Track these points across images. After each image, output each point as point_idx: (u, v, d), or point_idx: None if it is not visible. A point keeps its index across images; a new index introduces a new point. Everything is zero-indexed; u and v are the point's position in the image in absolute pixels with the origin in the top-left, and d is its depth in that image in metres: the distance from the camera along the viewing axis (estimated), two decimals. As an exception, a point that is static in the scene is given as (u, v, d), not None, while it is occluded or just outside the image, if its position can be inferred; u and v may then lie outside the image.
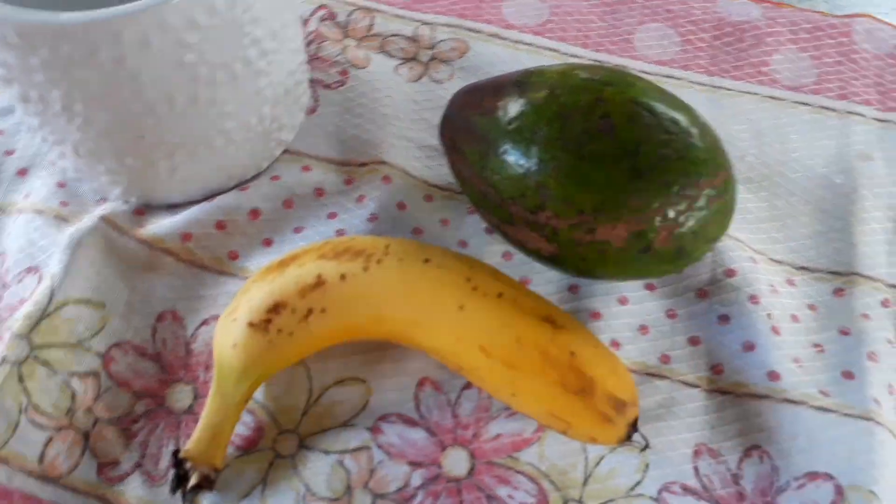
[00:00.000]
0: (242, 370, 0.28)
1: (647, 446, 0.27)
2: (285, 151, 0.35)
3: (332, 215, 0.34)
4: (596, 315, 0.31)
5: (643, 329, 0.31)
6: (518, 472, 0.28)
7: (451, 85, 0.38)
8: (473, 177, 0.29)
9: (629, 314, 0.31)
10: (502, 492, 0.28)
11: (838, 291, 0.32)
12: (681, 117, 0.26)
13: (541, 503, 0.27)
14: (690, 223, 0.26)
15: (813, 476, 0.27)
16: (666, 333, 0.31)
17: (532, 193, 0.27)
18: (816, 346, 0.30)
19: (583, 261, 0.27)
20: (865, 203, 0.34)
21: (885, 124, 0.37)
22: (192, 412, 0.29)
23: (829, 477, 0.27)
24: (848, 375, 0.29)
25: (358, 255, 0.28)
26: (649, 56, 0.39)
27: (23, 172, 0.35)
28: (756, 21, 0.40)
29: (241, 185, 0.34)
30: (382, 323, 0.28)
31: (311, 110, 0.37)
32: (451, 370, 0.30)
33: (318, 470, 0.28)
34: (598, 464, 0.28)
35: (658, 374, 0.30)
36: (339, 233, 0.33)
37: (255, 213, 0.33)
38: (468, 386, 0.30)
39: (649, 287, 0.32)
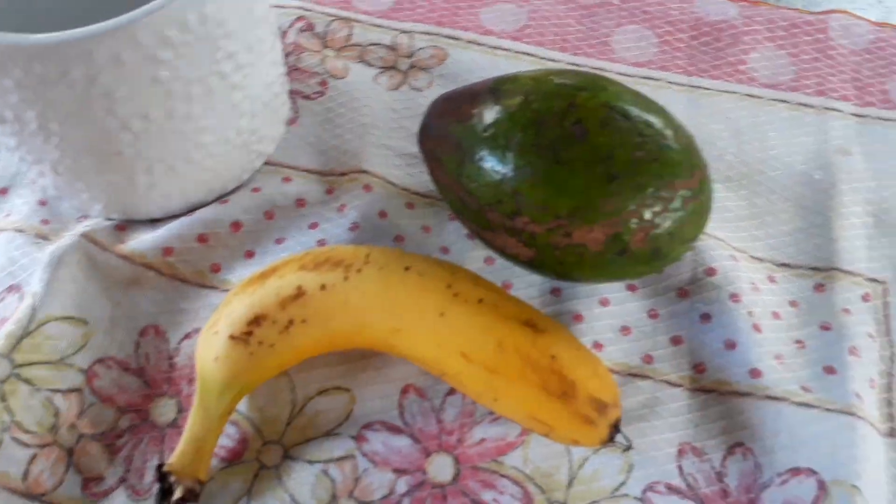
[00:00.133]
0: (225, 383, 0.28)
1: (629, 447, 0.27)
2: (266, 163, 0.35)
3: (313, 225, 0.34)
4: (578, 317, 0.31)
5: (625, 330, 0.31)
6: (503, 476, 0.28)
7: (431, 92, 0.38)
8: (452, 184, 0.29)
9: (611, 315, 0.31)
10: (487, 496, 0.28)
11: (819, 287, 0.32)
12: (654, 120, 0.26)
13: (526, 508, 0.28)
14: (666, 224, 0.26)
15: (796, 472, 0.27)
16: (648, 334, 0.31)
17: (508, 199, 0.27)
18: (798, 342, 0.31)
19: (561, 264, 0.27)
20: (844, 198, 0.34)
21: (862, 119, 0.37)
22: (176, 426, 0.30)
23: (811, 472, 0.27)
24: (829, 370, 0.30)
25: (338, 265, 0.28)
26: (627, 58, 0.39)
27: (3, 192, 0.35)
28: (733, 20, 0.40)
29: (221, 197, 0.34)
30: (364, 332, 0.28)
31: (292, 121, 0.37)
32: (434, 376, 0.30)
33: (303, 480, 0.28)
34: (582, 466, 0.28)
35: (641, 375, 0.30)
36: (321, 243, 0.33)
37: (236, 225, 0.33)
38: (452, 392, 0.30)
39: (631, 288, 0.32)
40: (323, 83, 0.38)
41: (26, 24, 0.33)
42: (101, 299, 0.31)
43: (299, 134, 0.36)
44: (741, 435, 0.28)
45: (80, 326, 0.31)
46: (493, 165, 0.27)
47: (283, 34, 0.40)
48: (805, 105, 0.38)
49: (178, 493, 0.27)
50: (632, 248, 0.26)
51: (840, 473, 0.27)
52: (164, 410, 0.30)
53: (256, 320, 0.28)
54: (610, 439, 0.26)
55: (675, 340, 0.31)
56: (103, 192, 0.32)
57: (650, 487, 0.28)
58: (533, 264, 0.28)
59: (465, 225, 0.30)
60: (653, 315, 0.31)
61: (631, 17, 0.40)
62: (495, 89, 0.28)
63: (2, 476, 0.28)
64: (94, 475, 0.28)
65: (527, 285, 0.32)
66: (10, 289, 0.32)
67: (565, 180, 0.26)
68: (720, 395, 0.29)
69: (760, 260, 0.33)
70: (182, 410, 0.30)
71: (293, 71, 0.38)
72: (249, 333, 0.28)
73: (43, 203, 0.34)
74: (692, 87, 0.38)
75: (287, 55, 0.39)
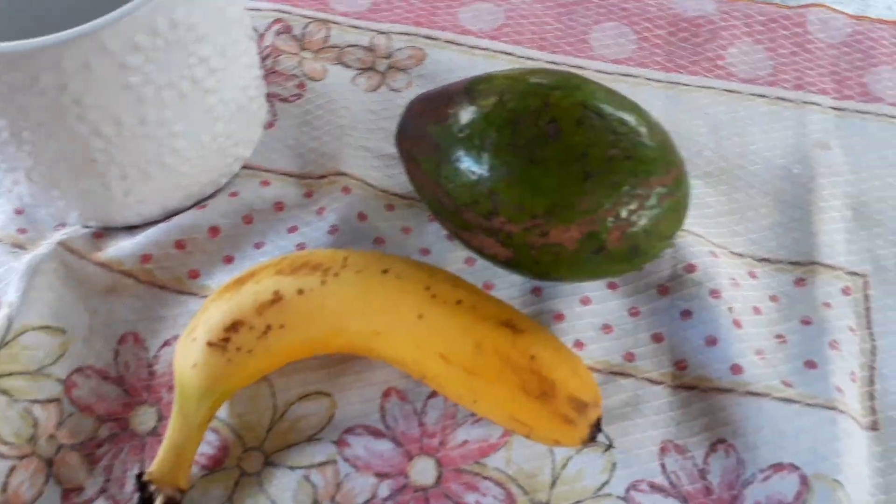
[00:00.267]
0: (203, 390, 0.28)
1: (610, 446, 0.27)
2: (244, 167, 0.35)
3: (292, 229, 0.34)
4: (559, 316, 0.31)
5: (606, 328, 0.31)
6: (485, 477, 0.28)
7: (410, 93, 0.38)
8: (429, 185, 0.29)
9: (592, 314, 0.31)
10: (470, 498, 0.28)
11: (799, 281, 0.32)
12: (629, 117, 0.26)
13: (509, 509, 0.27)
14: (643, 222, 0.26)
15: (778, 468, 0.27)
16: (629, 331, 0.31)
17: (485, 199, 0.27)
18: (779, 336, 0.30)
19: (538, 264, 0.27)
20: (824, 192, 0.34)
21: (841, 112, 0.37)
22: (156, 434, 0.29)
23: (794, 468, 0.27)
24: (810, 365, 0.29)
25: (315, 269, 0.28)
26: (606, 55, 0.39)
27: (-21, 200, 0.35)
28: (711, 15, 0.40)
29: (199, 203, 0.34)
30: (342, 336, 0.28)
31: (270, 124, 0.37)
32: (415, 379, 0.30)
33: (285, 486, 0.28)
34: (565, 466, 0.28)
35: (623, 373, 0.30)
36: (300, 246, 0.33)
37: (214, 230, 0.33)
38: (434, 394, 0.30)
39: (611, 286, 0.32)
40: (301, 85, 0.38)
41: (12, 29, 0.33)
42: (79, 308, 0.31)
43: (277, 137, 0.36)
44: (723, 431, 0.28)
45: (58, 336, 0.30)
46: (469, 166, 0.27)
47: (261, 37, 0.39)
48: (783, 99, 0.38)
49: (158, 502, 0.26)
50: (609, 247, 0.26)
51: (822, 468, 0.27)
52: (144, 419, 0.30)
53: (234, 326, 0.28)
54: (591, 439, 0.26)
55: (657, 338, 0.31)
56: (79, 199, 0.31)
57: (633, 486, 0.28)
58: (511, 264, 0.28)
59: (444, 226, 0.30)
60: (634, 313, 0.31)
61: (609, 15, 0.40)
62: (470, 89, 0.28)
63: (-21, 489, 0.27)
64: (74, 486, 0.28)
65: (508, 285, 0.32)
66: (-13, 299, 0.31)
67: (540, 179, 0.25)
68: (702, 392, 0.29)
69: (741, 255, 0.33)
70: (162, 418, 0.30)
71: (271, 74, 0.38)
72: (227, 340, 0.27)
73: (19, 212, 0.34)
74: (671, 83, 0.38)
75: (264, 58, 0.39)
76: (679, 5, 0.41)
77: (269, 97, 0.37)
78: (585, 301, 0.31)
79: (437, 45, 0.39)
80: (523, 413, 0.26)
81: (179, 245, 0.33)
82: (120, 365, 0.31)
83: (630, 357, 0.30)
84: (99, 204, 0.32)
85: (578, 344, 0.30)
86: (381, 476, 0.28)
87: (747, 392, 0.29)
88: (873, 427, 0.29)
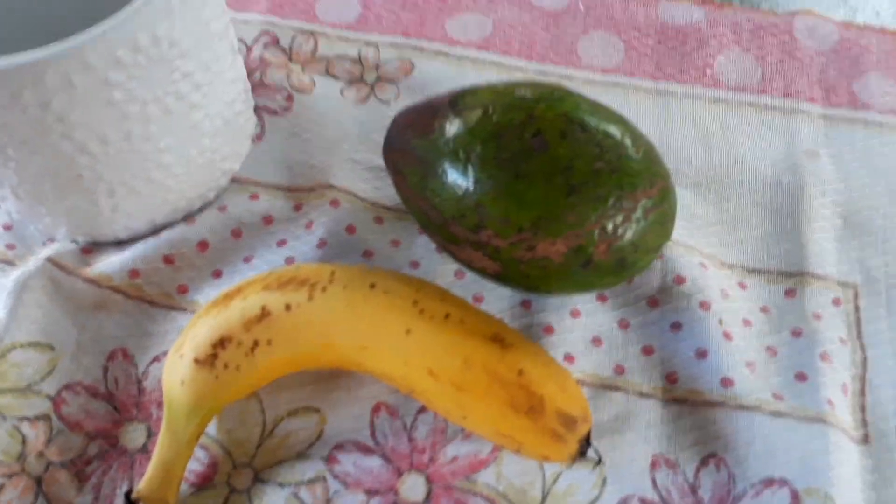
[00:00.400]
0: (191, 407, 0.27)
1: (599, 461, 0.27)
2: (232, 180, 0.35)
3: (281, 243, 0.33)
4: (549, 329, 0.31)
5: (596, 341, 0.31)
6: (476, 494, 0.28)
7: (398, 104, 0.38)
8: (416, 198, 0.29)
9: (582, 327, 0.31)
10: (460, 515, 0.27)
11: (790, 292, 0.32)
12: (614, 130, 0.26)
13: (498, 525, 0.27)
14: (629, 235, 0.26)
15: (769, 482, 0.27)
16: (619, 344, 0.31)
17: (471, 213, 0.27)
18: (769, 349, 0.30)
19: (526, 278, 0.27)
20: (814, 202, 0.34)
21: (829, 121, 0.37)
22: (145, 451, 0.29)
23: (784, 482, 0.27)
24: (801, 377, 0.29)
25: (303, 285, 0.28)
26: (594, 65, 0.39)
27: (-34, 217, 0.35)
28: (699, 23, 0.40)
29: (187, 217, 0.34)
30: (331, 351, 0.28)
31: (258, 137, 0.36)
32: (405, 394, 0.30)
33: (274, 503, 0.28)
34: (555, 481, 0.28)
35: (613, 387, 0.30)
36: (289, 260, 0.33)
37: (203, 244, 0.33)
38: (423, 409, 0.30)
39: (601, 298, 0.32)
40: (289, 98, 0.38)
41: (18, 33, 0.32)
42: (68, 324, 0.31)
43: (266, 150, 0.36)
44: (714, 445, 0.28)
45: (47, 352, 0.30)
46: (455, 179, 0.27)
47: (248, 49, 0.39)
48: (773, 108, 0.37)
49: (146, 521, 0.26)
50: (596, 260, 0.26)
51: (813, 482, 0.27)
52: (133, 436, 0.29)
53: (221, 342, 0.27)
54: (580, 454, 0.26)
55: (647, 350, 0.31)
56: (66, 215, 0.31)
57: (624, 501, 0.28)
58: (500, 278, 0.28)
59: (433, 239, 0.30)
60: (623, 325, 0.31)
61: (597, 24, 0.40)
62: (455, 102, 0.28)
63: (-35, 509, 0.27)
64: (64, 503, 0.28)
65: (497, 298, 0.32)
66: (-25, 316, 0.31)
67: (526, 193, 0.25)
68: (693, 406, 0.29)
69: (731, 266, 0.33)
70: (152, 435, 0.29)
71: (258, 86, 0.38)
72: (214, 356, 0.27)
73: (7, 227, 0.34)
74: (659, 91, 0.38)
75: (252, 71, 0.38)
76: (667, 13, 0.41)
77: (258, 110, 0.37)
78: (575, 314, 0.31)
79: (426, 56, 0.39)
80: (512, 429, 0.26)
81: (168, 260, 0.33)
82: (109, 381, 0.30)
83: (620, 370, 0.30)
84: (86, 219, 0.31)
85: (568, 357, 0.30)
86: (371, 493, 0.28)
87: (738, 405, 0.29)
88: (864, 440, 0.29)
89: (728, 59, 0.39)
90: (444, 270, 0.33)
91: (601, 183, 0.25)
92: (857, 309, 0.31)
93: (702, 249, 0.33)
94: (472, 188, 0.26)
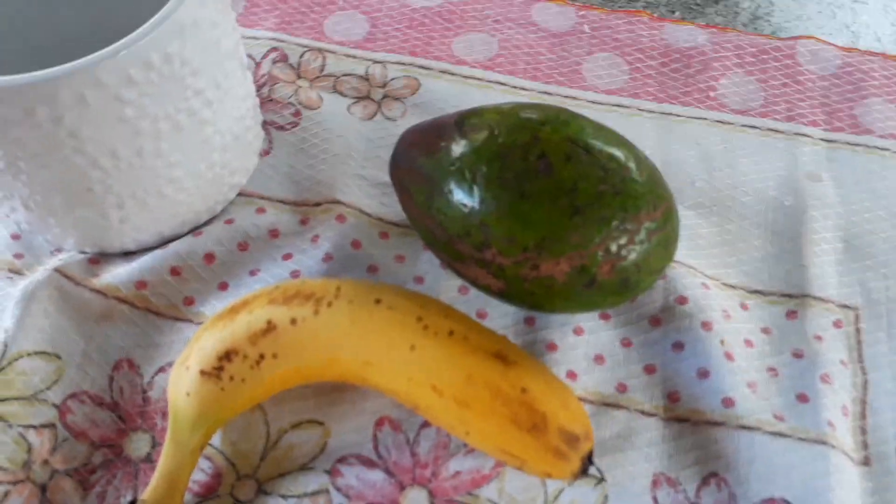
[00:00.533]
0: (196, 418, 0.28)
1: (602, 479, 0.27)
2: (239, 194, 0.35)
3: (286, 256, 0.34)
4: (552, 346, 0.31)
5: (599, 359, 0.31)
6: (477, 510, 0.28)
7: (405, 122, 0.38)
8: (421, 216, 0.29)
9: (585, 344, 0.31)
10: (461, 531, 0.28)
11: (791, 314, 0.32)
12: (618, 152, 0.26)
13: (499, 541, 0.27)
14: (633, 256, 0.26)
15: (769, 502, 0.27)
16: (621, 362, 0.31)
17: (476, 232, 0.27)
18: (771, 369, 0.31)
19: (531, 296, 0.27)
20: (815, 224, 0.34)
21: (832, 144, 0.37)
22: (150, 461, 0.29)
23: (785, 503, 0.27)
24: (802, 399, 0.30)
25: (308, 299, 0.28)
26: (598, 86, 0.39)
27: (-24, 226, 0.35)
28: (702, 46, 0.41)
29: (195, 230, 0.34)
30: (335, 366, 0.28)
31: (265, 152, 0.37)
32: (408, 408, 0.30)
33: (276, 516, 0.28)
34: (557, 498, 0.28)
35: (615, 404, 0.30)
36: (294, 274, 0.33)
37: (209, 257, 0.33)
38: (426, 424, 0.30)
39: (604, 317, 0.32)
40: (296, 113, 0.38)
41: (7, 61, 0.33)
42: (74, 334, 0.31)
43: (273, 165, 0.36)
44: (715, 465, 0.28)
45: (53, 361, 0.30)
46: (461, 198, 0.27)
47: (257, 65, 0.40)
48: (775, 131, 0.38)
49: (149, 531, 0.26)
50: (599, 280, 0.26)
51: (814, 503, 0.27)
52: (138, 445, 0.30)
53: (227, 355, 0.28)
54: (582, 472, 0.26)
55: (649, 369, 0.31)
56: (75, 227, 0.32)
57: (624, 519, 0.28)
58: (504, 295, 0.28)
59: (437, 256, 0.30)
60: (626, 344, 0.31)
61: (601, 45, 0.41)
62: (461, 123, 0.28)
63: (-29, 517, 0.27)
64: (67, 513, 0.28)
65: (501, 314, 0.32)
66: (-18, 325, 0.31)
67: (530, 213, 0.26)
68: (694, 425, 0.29)
69: (733, 287, 0.33)
70: (156, 445, 0.30)
71: (266, 102, 0.38)
72: (220, 369, 0.28)
73: (16, 237, 0.34)
74: (663, 113, 0.38)
75: (260, 86, 0.39)
76: (671, 36, 0.41)
77: (266, 125, 0.38)
78: (578, 331, 0.32)
79: (432, 75, 0.40)
80: (514, 446, 0.26)
81: (175, 272, 0.33)
82: (114, 391, 0.31)
83: (622, 388, 0.30)
84: (95, 231, 0.32)
85: (571, 374, 0.31)
86: (373, 507, 0.28)
87: (739, 425, 0.29)
88: (865, 462, 0.29)
89: (731, 82, 0.39)
90: (448, 286, 0.33)
91: (605, 205, 0.25)
92: (857, 332, 0.32)
93: (704, 270, 0.33)
94: (477, 207, 0.27)
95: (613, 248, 0.26)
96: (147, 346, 0.32)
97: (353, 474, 0.29)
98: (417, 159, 0.29)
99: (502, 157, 0.26)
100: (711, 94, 0.39)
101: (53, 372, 0.30)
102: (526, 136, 0.27)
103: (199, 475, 0.29)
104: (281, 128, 0.38)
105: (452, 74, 0.40)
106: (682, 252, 0.33)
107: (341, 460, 0.29)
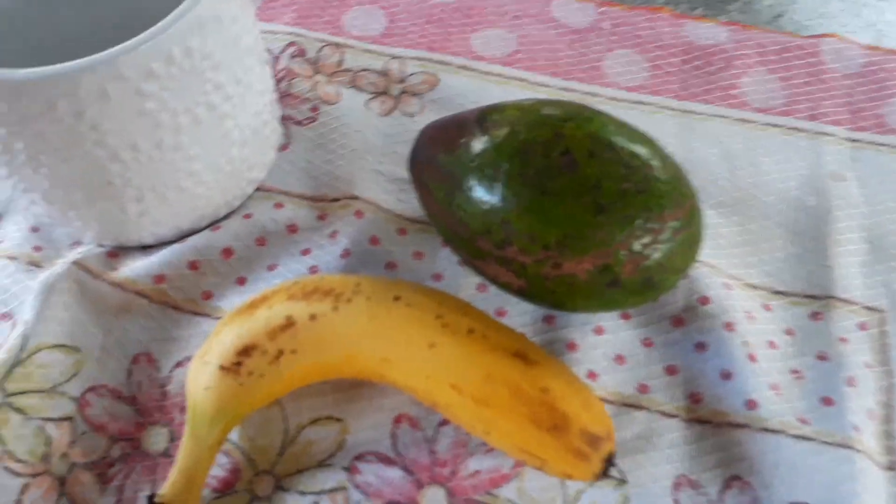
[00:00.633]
0: (215, 413, 0.28)
1: (623, 481, 0.27)
2: (257, 189, 0.35)
3: (305, 252, 0.34)
4: (572, 346, 0.31)
5: (619, 359, 0.31)
6: (496, 509, 0.28)
7: (423, 118, 0.38)
8: (441, 213, 0.29)
9: (605, 344, 0.31)
10: (480, 530, 0.27)
11: (815, 315, 0.32)
12: (641, 150, 0.26)
13: (518, 541, 0.27)
14: (656, 255, 0.26)
15: (793, 506, 0.27)
16: (642, 363, 0.31)
17: (497, 229, 0.27)
18: (794, 372, 0.30)
19: (552, 294, 0.27)
20: (839, 224, 0.34)
21: (856, 144, 0.37)
22: (168, 455, 0.29)
23: (809, 507, 0.27)
24: (827, 402, 0.29)
25: (327, 295, 0.28)
26: (619, 82, 0.39)
27: (-4, 218, 0.35)
28: (724, 44, 0.40)
29: (213, 224, 0.34)
30: (354, 362, 0.28)
31: (283, 147, 0.37)
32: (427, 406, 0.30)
33: (294, 512, 0.28)
34: (577, 499, 0.28)
35: (636, 405, 0.30)
36: (312, 269, 0.33)
37: (227, 251, 0.33)
38: (445, 422, 0.30)
39: (624, 316, 0.32)
40: (314, 109, 0.38)
41: (16, 59, 0.33)
42: (93, 327, 0.31)
43: (291, 160, 0.36)
44: (738, 468, 0.28)
45: (72, 354, 0.30)
46: (482, 195, 0.27)
47: (275, 59, 0.40)
48: (798, 129, 0.37)
49: (167, 526, 0.26)
50: (623, 279, 0.26)
51: (838, 507, 0.27)
52: (156, 439, 0.30)
53: (246, 351, 0.28)
54: (604, 473, 0.26)
55: (670, 370, 0.31)
56: (95, 220, 0.31)
57: (645, 520, 0.28)
58: (524, 294, 0.28)
59: (457, 253, 0.30)
60: (647, 344, 0.31)
61: (622, 42, 0.40)
62: (482, 119, 0.28)
63: (-9, 508, 0.27)
64: (85, 506, 0.28)
65: (520, 312, 0.32)
66: (2, 317, 0.31)
67: (552, 211, 0.25)
68: (717, 427, 0.29)
69: (755, 287, 0.33)
70: (174, 439, 0.30)
71: (285, 97, 0.38)
72: (239, 364, 0.28)
73: (35, 230, 0.34)
74: (684, 111, 0.38)
75: (279, 81, 0.39)
76: (692, 33, 0.41)
77: (284, 120, 0.38)
78: (598, 331, 0.31)
79: (450, 71, 0.40)
80: (535, 446, 0.26)
81: (193, 266, 0.33)
82: (133, 384, 0.31)
83: (644, 389, 0.30)
84: (114, 225, 0.32)
85: (591, 374, 0.30)
86: (391, 505, 0.28)
87: (763, 428, 0.28)
88: (891, 467, 0.28)
89: (753, 80, 0.39)
90: (466, 283, 0.33)
91: (629, 203, 0.25)
92: (883, 334, 0.31)
93: (726, 270, 0.33)
94: (498, 204, 0.27)
95: (637, 246, 0.25)
96: (165, 339, 0.32)
97: (372, 471, 0.29)
98: (437, 156, 0.29)
99: (524, 153, 0.26)
100: (733, 91, 0.39)
101: (72, 365, 0.30)
102: (548, 133, 0.26)
103: (217, 470, 0.29)
104: (299, 123, 0.37)
105: (471, 70, 0.40)
106: (704, 251, 0.33)
107: (359, 457, 0.29)
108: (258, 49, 0.31)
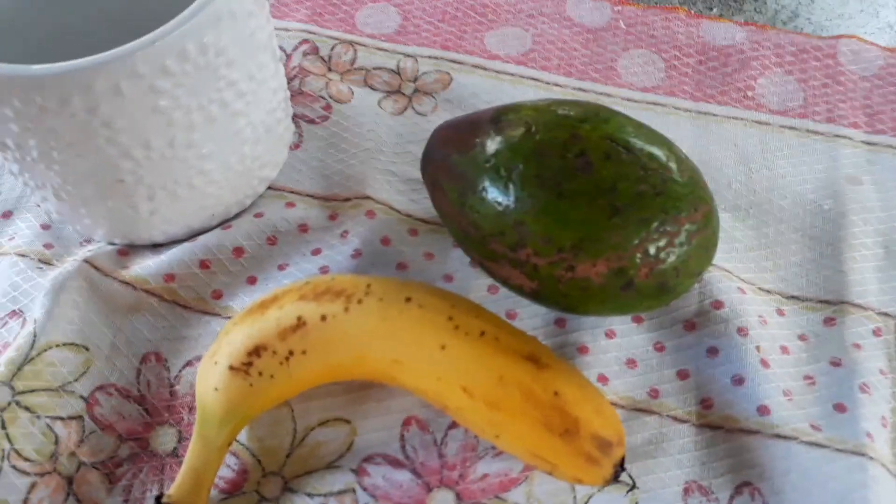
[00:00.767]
0: (224, 414, 0.27)
1: (633, 486, 0.27)
2: (269, 187, 0.35)
3: (315, 251, 0.33)
4: (583, 349, 0.31)
5: (631, 363, 0.31)
6: (505, 513, 0.28)
7: (435, 117, 0.38)
8: (454, 213, 0.29)
9: (617, 348, 0.31)
10: (489, 534, 0.27)
11: (829, 321, 0.31)
12: (658, 152, 0.26)
13: (528, 546, 0.27)
14: (672, 259, 0.25)
15: (806, 514, 0.27)
16: (654, 367, 0.30)
17: (511, 231, 0.26)
18: (807, 378, 0.30)
19: (565, 297, 0.27)
20: (855, 229, 0.34)
21: (873, 147, 0.36)
22: (176, 455, 0.29)
23: (822, 515, 0.26)
24: (840, 408, 0.29)
25: (338, 296, 0.28)
26: (634, 83, 0.39)
27: (7, 215, 0.35)
28: (740, 44, 0.40)
29: (224, 223, 0.34)
30: (364, 364, 0.28)
31: (296, 146, 0.37)
32: (436, 408, 0.30)
33: (303, 514, 0.28)
34: (587, 503, 0.28)
35: (647, 410, 0.30)
36: (323, 269, 0.33)
37: (238, 251, 0.33)
38: (454, 425, 0.29)
39: (636, 320, 0.31)
40: (327, 107, 0.38)
41: (27, 55, 0.33)
42: (103, 326, 0.31)
43: (303, 159, 0.36)
44: (749, 474, 0.28)
45: (81, 353, 0.30)
46: (496, 196, 0.27)
47: (288, 57, 0.40)
48: (814, 132, 0.37)
49: (176, 526, 0.26)
50: (637, 283, 0.26)
51: (851, 515, 0.26)
52: (164, 439, 0.30)
53: (256, 351, 0.27)
54: (614, 478, 0.26)
55: (682, 374, 0.30)
56: (105, 217, 0.31)
57: (655, 526, 0.27)
58: (537, 296, 0.28)
59: (469, 254, 0.30)
60: (659, 348, 0.31)
61: (637, 42, 0.40)
62: (497, 119, 0.28)
63: (0, 506, 0.27)
64: (93, 504, 0.28)
65: (532, 315, 0.32)
66: (12, 314, 0.31)
67: (568, 213, 0.25)
68: (728, 432, 0.29)
69: (769, 292, 0.32)
70: (183, 439, 0.29)
71: (297, 95, 0.38)
72: (249, 364, 0.27)
73: (46, 227, 0.34)
74: (699, 112, 0.38)
75: (291, 79, 0.39)
76: (708, 33, 0.40)
77: (296, 118, 0.37)
78: (610, 334, 0.31)
79: (464, 70, 0.39)
80: (545, 450, 0.26)
81: (203, 265, 0.33)
82: (142, 384, 0.31)
83: (655, 393, 0.30)
84: (125, 223, 0.32)
85: (602, 378, 0.30)
86: (400, 507, 0.28)
87: (775, 434, 0.28)
88: (904, 475, 0.28)
89: (770, 81, 0.39)
90: (477, 285, 0.33)
91: (645, 206, 0.25)
92: (898, 341, 0.31)
93: (740, 274, 0.33)
94: (512, 206, 0.26)
95: (652, 250, 0.25)
96: (174, 339, 0.32)
97: (380, 474, 0.28)
98: (451, 156, 0.29)
99: (539, 154, 0.26)
100: (749, 93, 0.38)
101: (82, 364, 0.30)
102: (564, 134, 0.26)
103: (225, 471, 0.29)
104: (311, 121, 0.37)
105: (485, 69, 0.39)
106: (717, 255, 0.33)
107: (368, 459, 0.29)
108: (272, 45, 0.31)
